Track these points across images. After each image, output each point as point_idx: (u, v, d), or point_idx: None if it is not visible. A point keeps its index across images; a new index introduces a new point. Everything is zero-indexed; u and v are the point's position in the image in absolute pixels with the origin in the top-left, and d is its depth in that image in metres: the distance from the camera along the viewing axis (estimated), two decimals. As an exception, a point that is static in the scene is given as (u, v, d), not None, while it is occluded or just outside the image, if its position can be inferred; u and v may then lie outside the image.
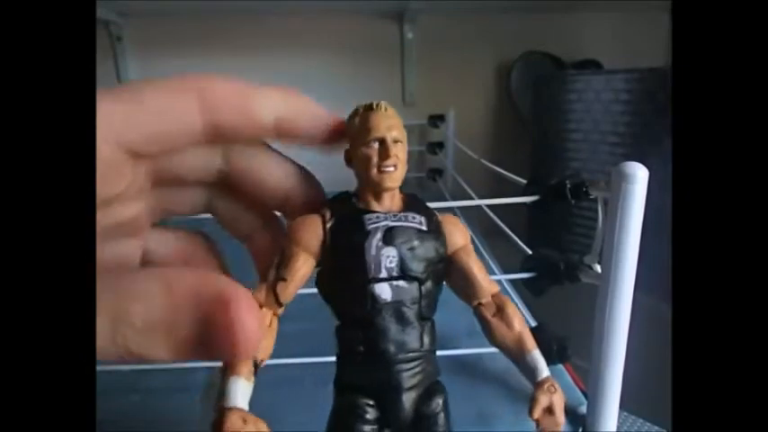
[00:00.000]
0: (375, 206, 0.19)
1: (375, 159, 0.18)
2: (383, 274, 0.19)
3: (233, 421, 0.17)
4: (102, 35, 1.12)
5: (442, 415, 0.20)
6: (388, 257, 0.19)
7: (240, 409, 0.17)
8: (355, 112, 0.19)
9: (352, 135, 0.19)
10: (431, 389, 0.20)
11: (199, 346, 0.14)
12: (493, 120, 1.25)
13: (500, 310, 0.21)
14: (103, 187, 0.15)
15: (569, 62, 1.18)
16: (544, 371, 0.20)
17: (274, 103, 0.18)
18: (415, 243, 0.19)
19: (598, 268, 0.39)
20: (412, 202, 0.20)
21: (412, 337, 0.19)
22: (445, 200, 1.02)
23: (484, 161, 0.66)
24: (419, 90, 1.21)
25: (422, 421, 0.19)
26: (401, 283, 0.19)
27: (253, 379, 0.18)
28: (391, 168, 0.19)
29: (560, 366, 0.47)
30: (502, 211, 0.57)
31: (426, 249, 0.19)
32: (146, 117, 0.16)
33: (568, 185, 0.40)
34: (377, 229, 0.19)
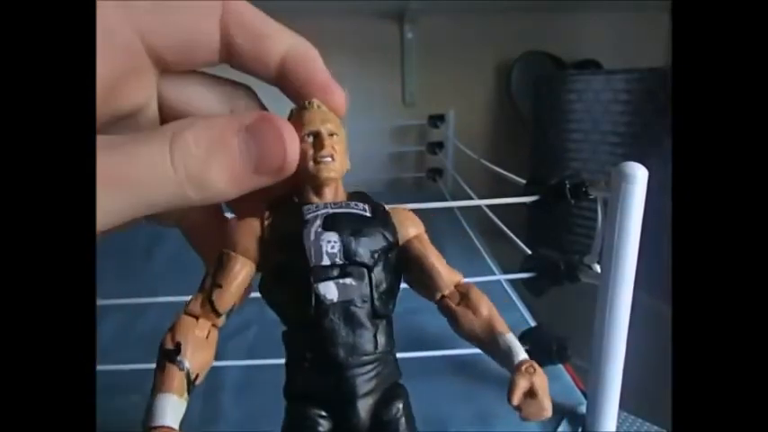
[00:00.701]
0: (316, 201, 0.18)
1: (311, 152, 0.18)
2: (325, 261, 0.17)
3: None
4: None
5: (402, 420, 0.18)
6: (329, 242, 0.17)
7: (169, 428, 0.16)
8: (289, 114, 0.19)
9: None
10: (389, 393, 0.18)
11: (252, 170, 0.15)
12: (493, 120, 1.25)
13: (464, 298, 0.19)
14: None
15: (569, 62, 1.18)
16: (520, 353, 0.18)
17: (284, 45, 0.18)
18: (359, 227, 0.18)
19: (598, 268, 0.39)
20: (357, 195, 0.19)
21: (364, 339, 0.18)
22: (445, 200, 1.02)
23: (484, 161, 0.66)
24: (419, 90, 1.21)
25: (381, 429, 0.18)
26: (348, 280, 0.17)
27: (186, 396, 0.17)
28: (328, 159, 0.18)
29: (560, 366, 0.47)
30: (502, 211, 0.57)
31: (372, 235, 0.18)
32: (173, 17, 0.16)
33: (568, 185, 0.40)
34: (316, 217, 0.18)
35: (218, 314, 0.18)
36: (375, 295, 0.18)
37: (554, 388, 0.49)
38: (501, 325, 0.19)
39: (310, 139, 0.18)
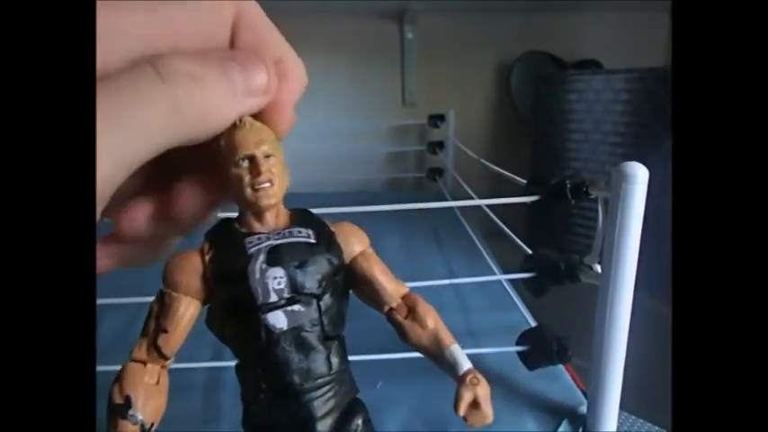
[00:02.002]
0: (258, 227, 0.18)
1: (247, 178, 0.17)
2: (273, 298, 0.17)
3: None
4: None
5: None
6: (275, 279, 0.17)
7: None
8: (220, 135, 0.17)
9: (219, 158, 0.17)
10: (348, 410, 0.19)
11: (243, 92, 0.15)
12: (493, 120, 1.25)
13: (411, 311, 0.19)
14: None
15: (569, 62, 1.18)
16: (464, 364, 0.19)
17: (278, 54, 0.17)
18: (304, 258, 0.17)
19: (598, 268, 0.39)
20: (299, 216, 0.19)
21: (318, 363, 0.18)
22: (445, 200, 1.02)
23: (484, 161, 0.66)
24: (419, 90, 1.21)
25: None
26: (296, 307, 0.17)
27: None
28: (267, 184, 0.17)
29: (560, 366, 0.47)
30: (502, 211, 0.57)
31: (318, 263, 0.18)
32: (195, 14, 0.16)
33: (568, 185, 0.40)
34: (259, 251, 0.17)
35: (166, 358, 0.18)
36: (325, 320, 0.18)
37: (554, 388, 0.49)
38: (447, 337, 0.19)
39: (245, 164, 0.17)
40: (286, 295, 0.17)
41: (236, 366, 0.19)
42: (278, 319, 0.17)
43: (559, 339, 0.43)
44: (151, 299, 0.19)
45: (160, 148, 0.14)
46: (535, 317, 0.59)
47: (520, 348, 0.45)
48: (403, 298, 0.20)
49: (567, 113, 0.98)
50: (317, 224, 0.19)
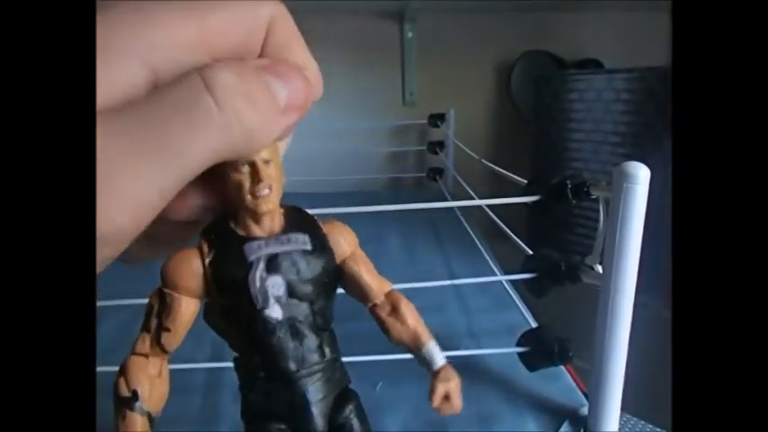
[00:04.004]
0: (255, 230, 0.18)
1: (247, 185, 0.17)
2: (271, 303, 0.18)
3: None
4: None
5: (355, 420, 0.20)
6: (274, 286, 0.18)
7: None
8: None
9: (220, 163, 0.17)
10: (340, 397, 0.20)
11: (283, 108, 0.15)
12: (493, 119, 1.25)
13: (394, 309, 0.21)
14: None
15: (570, 61, 1.18)
16: (439, 361, 0.21)
17: (299, 63, 0.17)
18: (301, 266, 0.18)
19: (599, 269, 0.39)
20: (294, 217, 0.20)
21: (311, 350, 0.19)
22: (446, 199, 1.02)
23: (484, 161, 0.66)
24: (419, 90, 1.21)
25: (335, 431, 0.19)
26: (292, 300, 0.18)
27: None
28: (266, 191, 0.17)
29: (561, 367, 0.47)
30: (502, 211, 0.57)
31: (313, 270, 0.19)
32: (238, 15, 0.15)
33: (569, 185, 0.40)
34: (258, 259, 0.18)
35: (167, 353, 0.19)
36: (318, 316, 0.19)
37: (555, 389, 0.49)
38: (425, 335, 0.21)
39: (246, 170, 0.17)
40: (283, 301, 0.18)
41: (234, 359, 0.20)
42: (274, 311, 0.18)
43: (560, 340, 0.43)
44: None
45: (203, 170, 0.14)
46: (536, 318, 0.59)
47: (520, 349, 0.45)
48: (387, 295, 0.21)
49: (568, 113, 0.98)
50: (312, 227, 0.20)
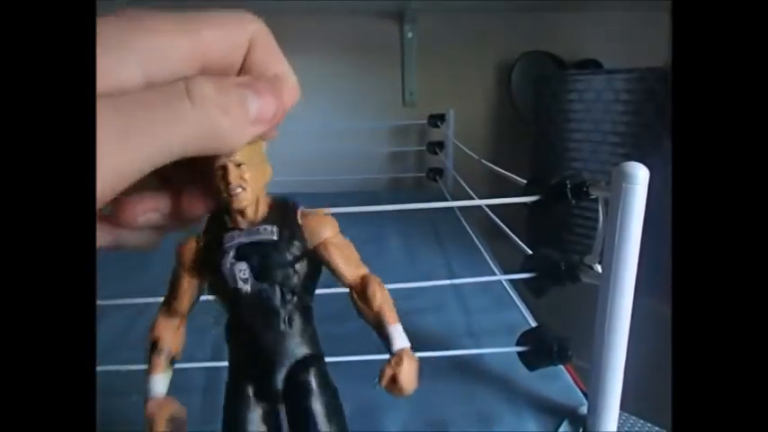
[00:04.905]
0: (239, 221, 0.22)
1: (222, 185, 0.20)
2: (240, 284, 0.22)
3: (150, 407, 0.23)
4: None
5: (314, 382, 0.22)
6: (241, 270, 0.21)
7: (156, 399, 0.23)
8: None
9: (208, 167, 0.21)
10: (303, 361, 0.22)
11: (253, 119, 0.18)
12: (493, 120, 1.25)
13: (363, 292, 0.22)
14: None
15: (570, 62, 1.18)
16: (397, 344, 0.22)
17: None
18: (265, 253, 0.21)
19: (599, 268, 0.39)
20: (275, 209, 0.22)
21: (278, 322, 0.22)
22: (445, 200, 1.02)
23: (484, 161, 0.66)
24: (419, 90, 1.21)
25: (295, 390, 0.22)
26: (262, 283, 0.22)
27: (170, 369, 0.23)
28: (238, 190, 0.20)
29: (561, 367, 0.47)
30: (502, 211, 0.57)
31: (277, 257, 0.22)
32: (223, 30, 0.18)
33: (569, 185, 0.40)
34: (231, 247, 0.21)
35: (180, 316, 0.24)
36: (288, 295, 0.22)
37: (555, 388, 0.49)
38: (389, 317, 0.22)
39: (220, 172, 0.20)
40: (250, 282, 0.22)
41: (225, 326, 0.23)
42: (243, 289, 0.22)
43: (560, 340, 0.43)
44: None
45: (173, 157, 0.16)
46: (536, 317, 0.59)
47: (520, 349, 0.45)
48: (362, 278, 0.23)
49: (568, 113, 0.98)
50: (287, 218, 0.22)
